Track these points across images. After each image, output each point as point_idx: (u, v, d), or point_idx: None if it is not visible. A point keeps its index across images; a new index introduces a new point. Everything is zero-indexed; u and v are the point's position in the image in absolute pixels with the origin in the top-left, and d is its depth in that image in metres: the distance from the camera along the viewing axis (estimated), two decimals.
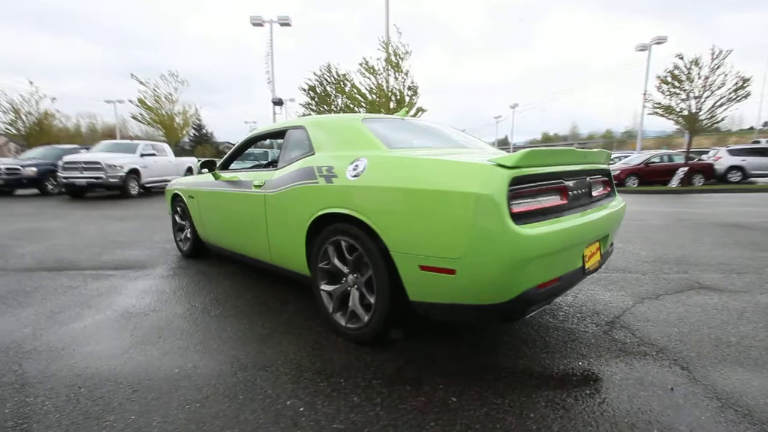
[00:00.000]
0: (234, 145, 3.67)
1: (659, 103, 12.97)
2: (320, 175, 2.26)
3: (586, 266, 2.05)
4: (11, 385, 1.79)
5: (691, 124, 12.75)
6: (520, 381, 1.82)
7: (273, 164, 3.03)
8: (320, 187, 2.24)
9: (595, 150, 2.30)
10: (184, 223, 4.27)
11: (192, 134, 49.32)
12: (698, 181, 14.71)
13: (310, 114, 16.55)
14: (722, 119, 12.31)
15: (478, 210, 1.58)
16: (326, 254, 2.30)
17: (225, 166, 3.55)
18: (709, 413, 1.57)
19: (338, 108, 15.86)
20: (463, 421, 1.53)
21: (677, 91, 12.78)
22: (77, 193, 11.28)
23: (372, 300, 2.04)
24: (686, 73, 12.38)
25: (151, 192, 13.05)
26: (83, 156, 11.14)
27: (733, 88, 11.75)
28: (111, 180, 10.67)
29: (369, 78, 12.25)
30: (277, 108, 19.39)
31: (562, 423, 1.52)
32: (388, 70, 11.78)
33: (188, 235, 4.16)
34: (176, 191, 4.18)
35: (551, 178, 1.84)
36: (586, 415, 1.57)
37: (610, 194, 2.51)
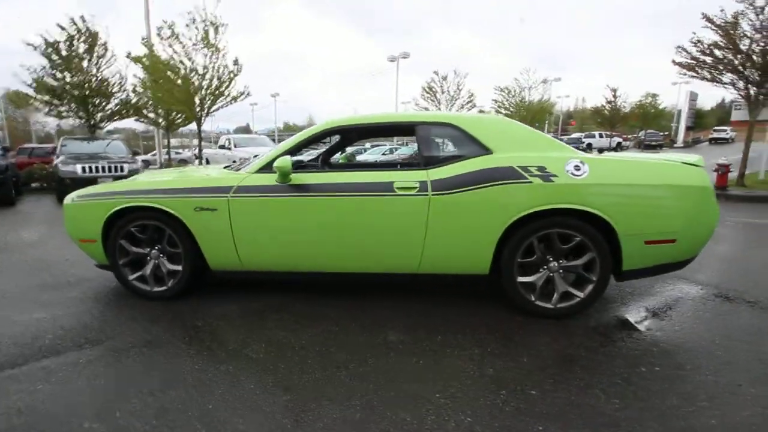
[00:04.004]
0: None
1: (426, 108, 16.78)
2: (531, 175, 2.39)
3: None
4: None
5: None
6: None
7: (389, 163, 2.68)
8: (535, 185, 2.38)
9: None
10: (145, 252, 2.84)
11: None
12: None
13: (43, 79, 11.73)
14: None
15: (704, 196, 2.37)
16: (530, 248, 2.47)
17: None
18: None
19: (98, 79, 11.96)
20: (683, 337, 2.31)
21: (433, 99, 16.84)
22: None
23: (594, 278, 2.46)
24: (439, 86, 16.54)
25: None
26: None
27: (467, 99, 16.71)
28: None
29: (172, 47, 9.93)
30: None
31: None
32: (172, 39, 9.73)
33: (168, 269, 2.81)
34: (138, 203, 2.71)
35: None
36: None
37: None
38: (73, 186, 8.73)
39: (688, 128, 36.60)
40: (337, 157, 4.31)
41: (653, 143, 33.19)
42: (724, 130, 39.19)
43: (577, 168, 2.40)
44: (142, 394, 1.79)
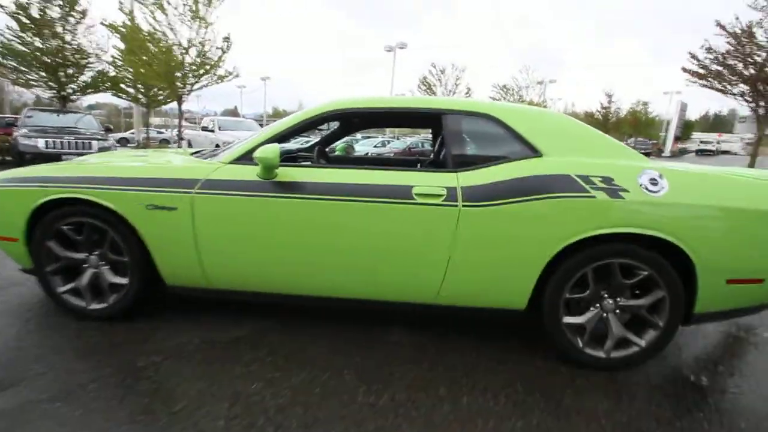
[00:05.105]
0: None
1: None
2: (594, 188, 1.83)
3: None
4: None
5: None
6: None
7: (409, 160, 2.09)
8: (598, 201, 1.82)
9: None
10: (82, 257, 2.19)
11: None
12: None
13: (11, 43, 10.61)
14: None
15: None
16: (584, 281, 1.92)
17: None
18: None
19: (72, 47, 10.89)
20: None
21: (429, 92, 16.25)
22: None
23: (660, 322, 1.93)
24: (437, 78, 15.97)
25: None
26: None
27: (465, 94, 16.22)
28: None
29: (154, 15, 9.03)
30: None
31: None
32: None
33: (110, 281, 2.17)
34: (70, 194, 2.05)
35: None
36: None
37: None
38: (32, 162, 7.93)
39: (676, 138, 36.97)
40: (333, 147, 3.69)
41: (642, 151, 33.27)
42: (710, 142, 39.81)
43: (653, 182, 1.85)
44: None
